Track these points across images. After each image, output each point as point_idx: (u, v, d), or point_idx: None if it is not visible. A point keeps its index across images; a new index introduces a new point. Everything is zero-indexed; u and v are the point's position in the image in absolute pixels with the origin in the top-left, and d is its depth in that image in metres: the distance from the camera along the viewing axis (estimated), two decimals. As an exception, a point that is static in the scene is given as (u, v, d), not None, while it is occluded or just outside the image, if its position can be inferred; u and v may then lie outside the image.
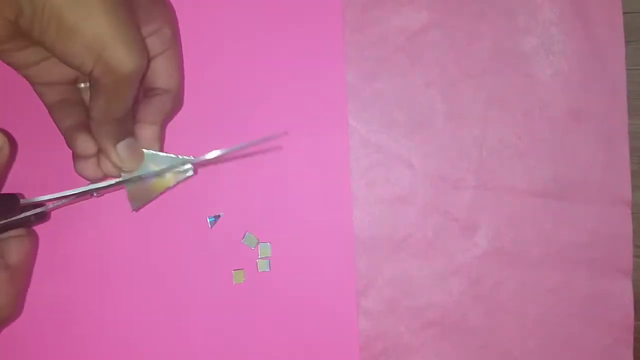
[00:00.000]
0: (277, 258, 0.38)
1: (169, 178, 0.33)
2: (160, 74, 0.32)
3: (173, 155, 0.33)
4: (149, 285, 0.38)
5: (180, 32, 0.38)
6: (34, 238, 0.34)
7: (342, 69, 0.38)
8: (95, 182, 0.33)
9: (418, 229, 0.39)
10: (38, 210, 0.33)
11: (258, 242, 0.38)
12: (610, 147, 0.39)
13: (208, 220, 0.38)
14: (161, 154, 0.33)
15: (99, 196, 0.34)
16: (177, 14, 0.37)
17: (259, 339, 0.38)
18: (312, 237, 0.38)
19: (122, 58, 0.26)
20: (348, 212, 0.38)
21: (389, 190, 0.39)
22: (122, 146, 0.31)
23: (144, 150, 0.32)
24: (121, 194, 0.38)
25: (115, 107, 0.29)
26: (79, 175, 0.33)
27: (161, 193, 0.33)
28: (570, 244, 0.39)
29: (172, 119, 0.35)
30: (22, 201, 0.32)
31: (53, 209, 0.33)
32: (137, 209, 0.33)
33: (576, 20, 0.39)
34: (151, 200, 0.34)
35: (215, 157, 0.31)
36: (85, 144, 0.31)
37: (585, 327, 0.39)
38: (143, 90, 0.33)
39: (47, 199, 0.32)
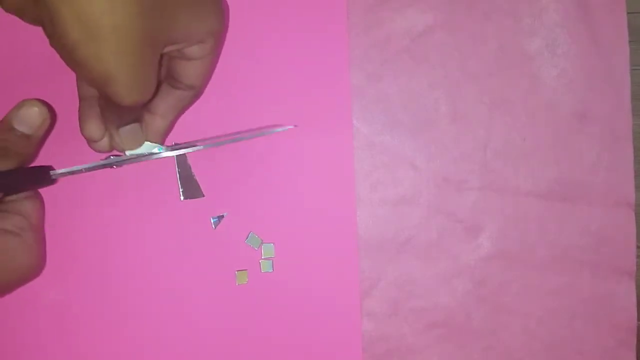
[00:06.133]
0: (281, 259, 0.38)
1: None
2: (191, 74, 0.32)
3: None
4: (152, 285, 0.38)
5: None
6: (41, 197, 0.36)
7: (347, 70, 0.38)
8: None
9: (422, 230, 0.39)
10: (41, 171, 0.33)
11: (262, 243, 0.38)
12: (614, 149, 0.39)
13: (211, 220, 0.38)
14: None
15: (118, 167, 0.35)
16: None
17: (262, 340, 0.38)
18: (316, 238, 0.38)
19: (122, 96, 0.27)
20: (352, 213, 0.38)
21: (393, 191, 0.39)
22: (123, 130, 0.32)
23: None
24: (124, 194, 0.38)
25: (116, 109, 0.30)
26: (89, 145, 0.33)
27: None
28: (574, 245, 0.39)
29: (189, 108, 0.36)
30: (52, 173, 0.33)
31: (63, 174, 0.34)
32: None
33: (581, 21, 0.39)
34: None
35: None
36: (92, 130, 0.32)
37: (588, 329, 0.39)
38: (169, 78, 0.33)
39: (76, 169, 0.34)
